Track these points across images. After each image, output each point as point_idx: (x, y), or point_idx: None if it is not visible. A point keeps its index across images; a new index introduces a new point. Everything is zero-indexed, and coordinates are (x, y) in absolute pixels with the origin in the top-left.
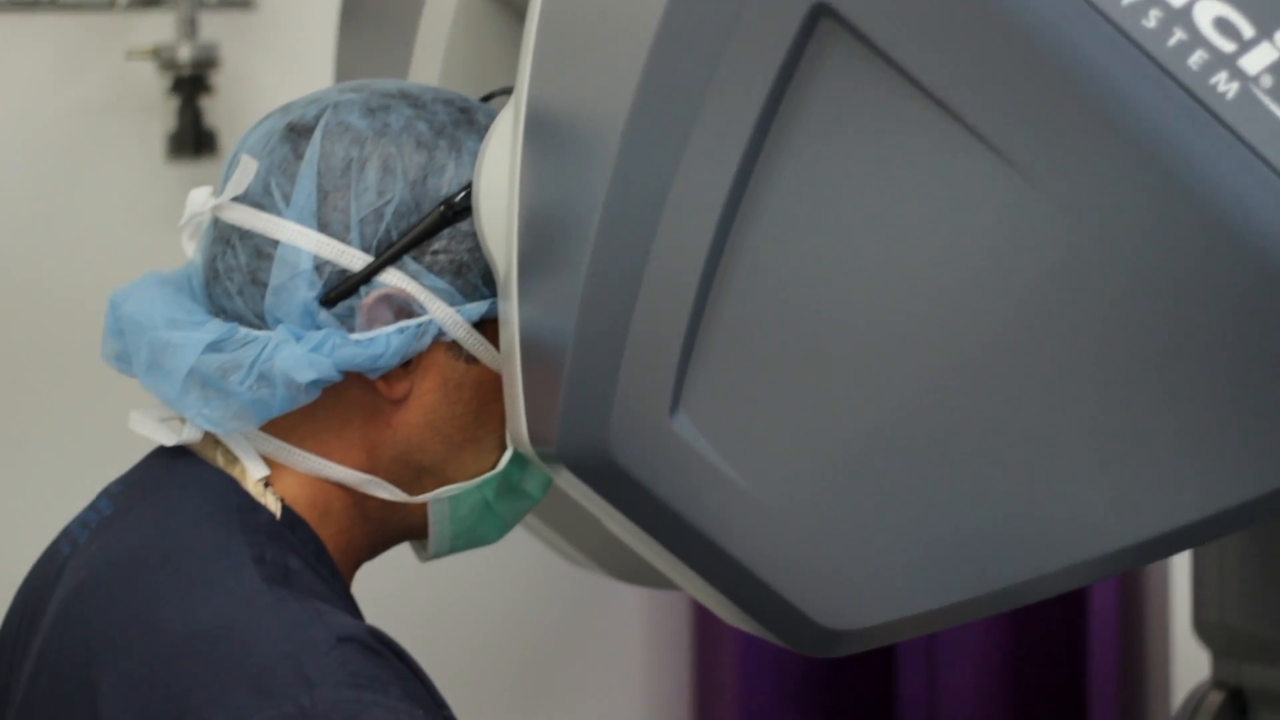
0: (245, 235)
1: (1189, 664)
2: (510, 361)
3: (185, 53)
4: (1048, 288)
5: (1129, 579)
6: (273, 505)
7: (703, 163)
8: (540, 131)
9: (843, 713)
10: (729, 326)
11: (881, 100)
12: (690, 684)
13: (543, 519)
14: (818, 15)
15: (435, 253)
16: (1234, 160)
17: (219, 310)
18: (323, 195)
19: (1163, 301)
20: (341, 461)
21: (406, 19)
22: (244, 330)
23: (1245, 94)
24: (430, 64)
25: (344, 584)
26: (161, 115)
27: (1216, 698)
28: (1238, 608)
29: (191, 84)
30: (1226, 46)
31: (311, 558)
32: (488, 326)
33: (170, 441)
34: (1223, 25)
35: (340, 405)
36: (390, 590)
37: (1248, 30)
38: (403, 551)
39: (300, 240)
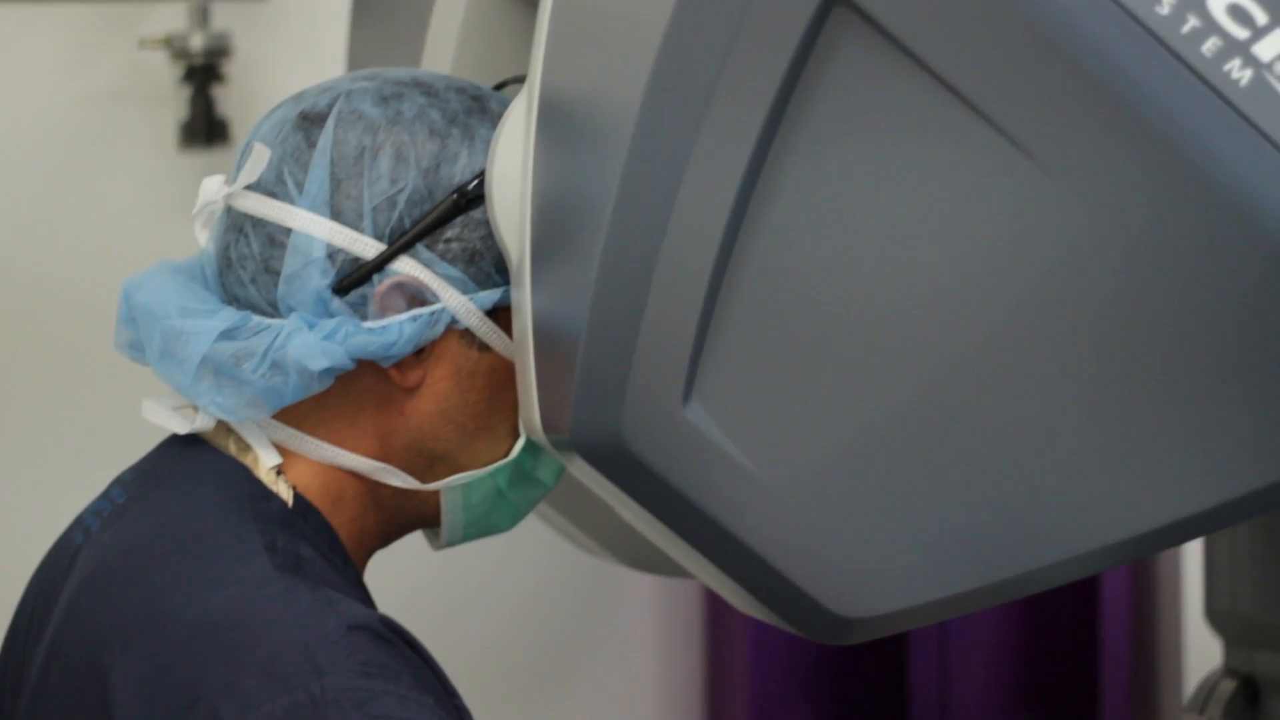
0: (258, 223)
1: (1201, 652)
2: (523, 349)
3: (197, 42)
4: (1060, 277)
5: (1141, 568)
6: (285, 493)
7: (716, 150)
8: (553, 120)
9: (854, 701)
10: (742, 314)
11: (894, 88)
12: (702, 672)
13: (555, 507)
14: (831, 2)
15: (448, 241)
16: (1247, 147)
17: (232, 299)
18: (335, 183)
19: (1174, 289)
20: (354, 449)
21: (419, 7)
22: (257, 318)
23: (1259, 81)
24: (443, 52)
25: (356, 572)
26: (174, 104)
27: (1229, 686)
28: (1250, 596)
29: (204, 73)
30: (1240, 33)
31: (324, 546)
32: (500, 314)
33: (183, 430)
34: (1236, 12)
35: (353, 393)
36: (403, 579)
37: (1261, 17)
38: (415, 541)
39: (313, 228)
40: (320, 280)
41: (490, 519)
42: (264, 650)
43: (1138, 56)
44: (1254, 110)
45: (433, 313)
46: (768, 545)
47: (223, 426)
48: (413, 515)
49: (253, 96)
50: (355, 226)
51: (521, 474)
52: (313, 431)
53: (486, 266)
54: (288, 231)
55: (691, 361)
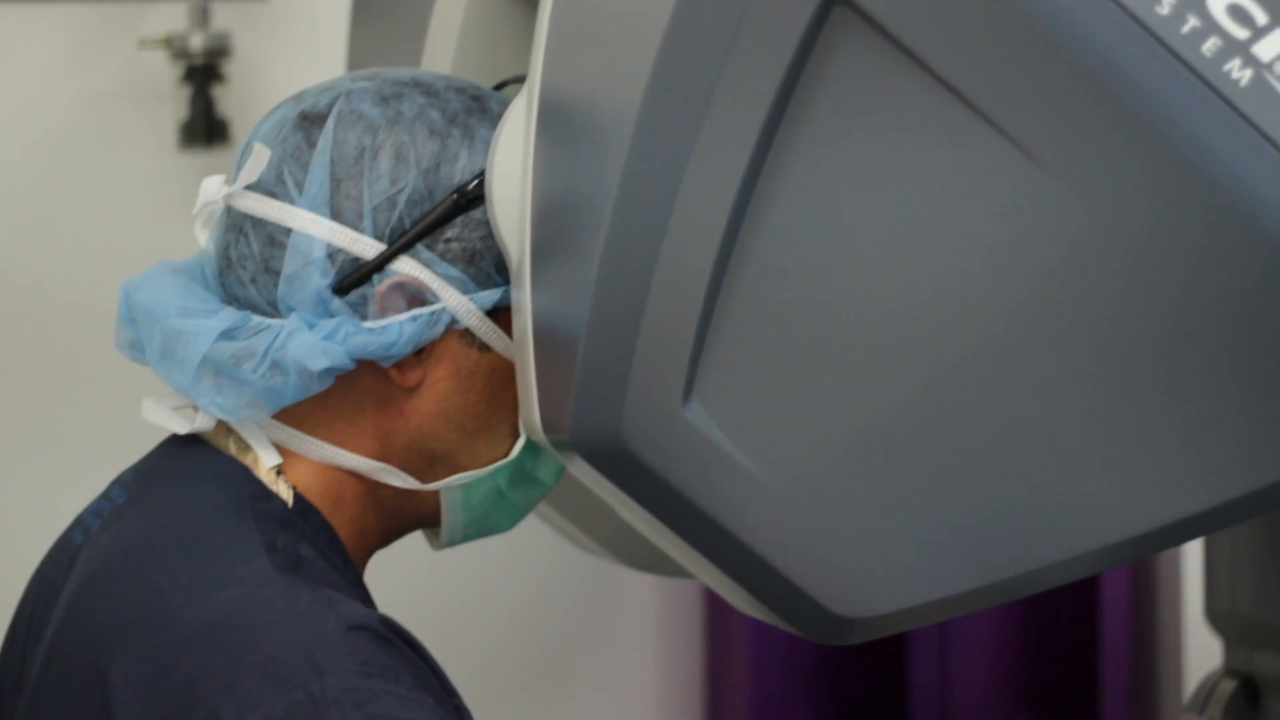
0: (258, 223)
1: (1201, 652)
2: (523, 349)
3: (197, 42)
4: (1060, 277)
5: (1141, 568)
6: (285, 493)
7: (716, 150)
8: (553, 119)
9: (854, 701)
10: (742, 314)
11: (894, 88)
12: (702, 672)
13: (555, 507)
14: (831, 3)
15: (448, 241)
16: (1247, 147)
17: (232, 299)
18: (335, 183)
19: (1174, 289)
20: (354, 449)
21: (419, 7)
22: (257, 318)
23: (1259, 81)
24: (443, 52)
25: (356, 572)
26: (173, 104)
27: (1229, 686)
28: (1250, 596)
29: (204, 73)
30: (1240, 33)
31: (323, 546)
32: (500, 314)
33: (183, 430)
34: (1236, 12)
35: (353, 393)
36: (403, 579)
37: (1261, 17)
38: (415, 541)
39: (313, 228)
40: (320, 280)
41: (490, 519)
42: (264, 650)
43: (1138, 57)
44: (1254, 110)
45: (433, 313)
46: (768, 545)
47: (223, 426)
48: (413, 515)
49: (253, 96)
50: (355, 226)
51: (521, 474)
52: (313, 431)
53: (486, 266)
54: (288, 231)
55: (691, 361)
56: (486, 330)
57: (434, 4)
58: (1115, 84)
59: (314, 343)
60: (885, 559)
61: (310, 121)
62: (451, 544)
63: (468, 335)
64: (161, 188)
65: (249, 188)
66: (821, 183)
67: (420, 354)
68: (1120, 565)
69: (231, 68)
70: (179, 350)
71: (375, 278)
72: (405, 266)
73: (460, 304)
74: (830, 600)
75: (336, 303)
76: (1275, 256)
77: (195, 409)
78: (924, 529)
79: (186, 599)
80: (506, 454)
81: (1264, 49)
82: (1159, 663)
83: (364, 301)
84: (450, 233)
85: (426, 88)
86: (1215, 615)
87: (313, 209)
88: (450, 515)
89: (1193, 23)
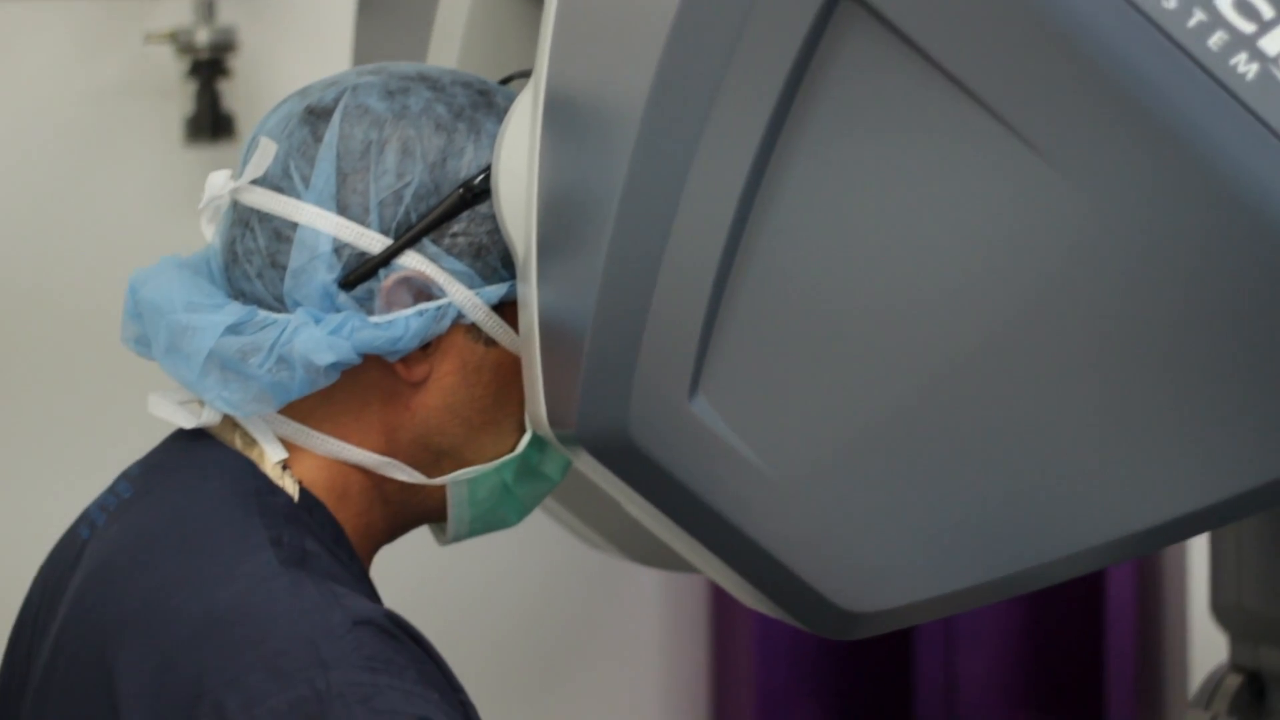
0: (264, 218)
1: (1206, 647)
2: (529, 344)
3: (203, 36)
4: (1066, 271)
5: (1146, 563)
6: (290, 488)
7: (722, 145)
8: (559, 114)
9: (860, 696)
10: (748, 309)
11: (900, 82)
12: (708, 667)
13: (561, 502)
14: None
15: (454, 235)
16: (1253, 140)
17: (238, 293)
18: (342, 178)
19: (1179, 283)
20: (360, 444)
21: (424, 2)
22: (263, 313)
23: (1265, 75)
24: (448, 47)
25: (362, 567)
26: (179, 99)
27: (1234, 681)
28: (1255, 591)
29: (209, 67)
30: (1246, 27)
31: (329, 540)
32: (507, 309)
33: (189, 424)
34: (1243, 6)
35: (359, 388)
36: (409, 574)
37: (1268, 11)
38: (421, 535)
39: (319, 223)
40: (326, 275)
41: (496, 514)
42: (269, 645)
43: (1144, 50)
44: (1260, 104)
45: (439, 307)
46: (774, 540)
47: (229, 421)
48: (419, 510)
49: (258, 91)
50: (361, 221)
51: (527, 469)
52: (319, 426)
53: (493, 261)
54: (294, 226)
55: (697, 356)
56: (493, 325)
57: None
58: (1121, 78)
59: (320, 337)
60: (891, 554)
61: (316, 116)
62: (457, 539)
63: (474, 330)
64: (167, 182)
65: (255, 182)
66: (827, 176)
67: (426, 349)
68: (1125, 560)
69: (237, 62)
70: (185, 345)
71: (381, 272)
72: (411, 261)
73: (466, 299)
74: (836, 595)
75: (343, 297)
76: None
77: (201, 404)
78: (929, 524)
79: (192, 593)
80: (512, 449)
81: (1270, 43)
82: (1164, 658)
83: (370, 296)
84: (456, 227)
85: (432, 82)
86: (1220, 610)
87: (319, 204)
88: (456, 510)
89: (1199, 17)
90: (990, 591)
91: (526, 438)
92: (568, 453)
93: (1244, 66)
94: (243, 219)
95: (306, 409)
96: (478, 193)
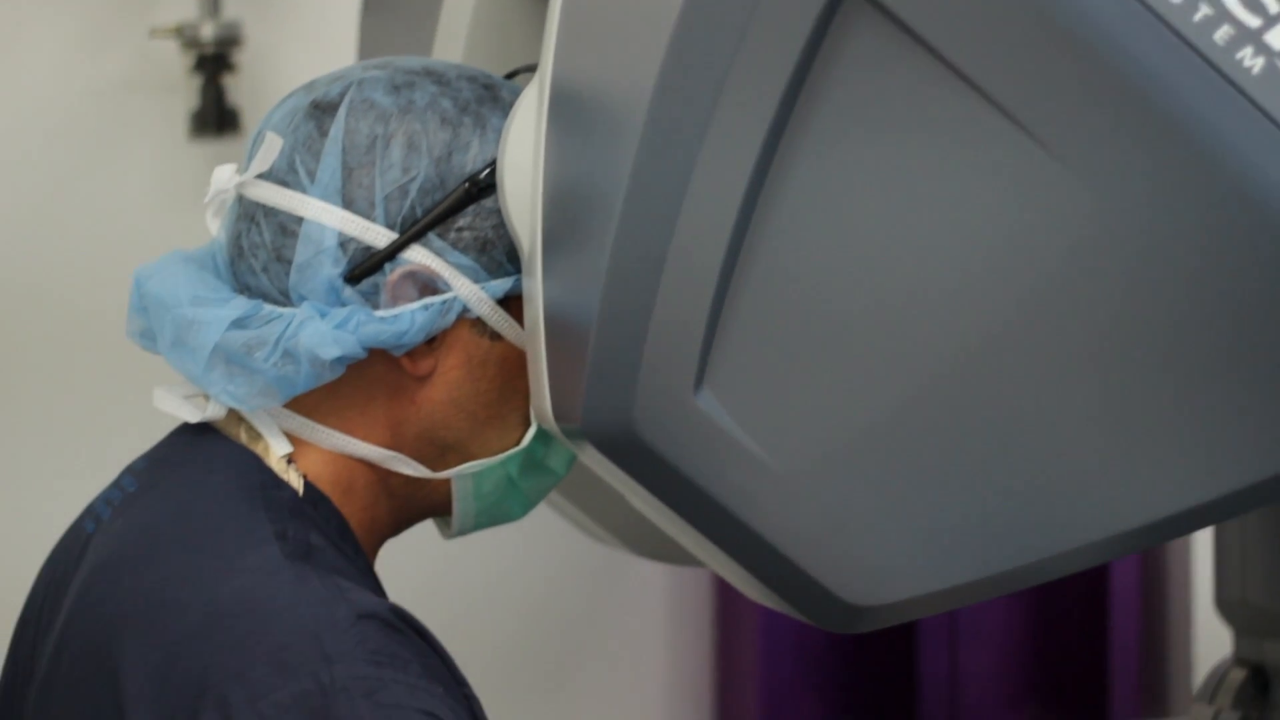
0: (270, 212)
1: (1211, 642)
2: (535, 338)
3: (208, 31)
4: (1069, 266)
5: (1150, 557)
6: (295, 482)
7: (727, 138)
8: (565, 108)
9: (864, 689)
10: (753, 303)
11: (905, 76)
12: (712, 661)
13: (566, 496)
14: None
15: (460, 229)
16: (1259, 135)
17: (243, 287)
18: (347, 172)
19: (1184, 277)
20: (365, 438)
21: None
22: (268, 307)
23: (1270, 69)
24: (454, 41)
25: (367, 561)
26: (184, 93)
27: (1238, 675)
28: (1260, 585)
29: (214, 62)
30: (1252, 21)
31: (334, 534)
32: (512, 303)
33: (194, 418)
34: (1249, 1)
35: (364, 382)
36: (414, 569)
37: (1273, 5)
38: (426, 530)
39: (325, 217)
40: (332, 269)
41: (501, 507)
42: (273, 638)
43: (1150, 44)
44: (1266, 98)
45: (444, 301)
46: (779, 533)
47: (234, 415)
48: (424, 504)
49: (263, 86)
50: (367, 215)
51: (532, 462)
52: (324, 420)
53: (498, 255)
54: (299, 220)
55: (703, 350)
56: (498, 319)
57: None
58: (1127, 72)
59: (326, 331)
60: (895, 547)
61: (322, 110)
62: (462, 533)
63: (479, 324)
64: (172, 177)
65: (260, 177)
66: (833, 171)
67: (432, 343)
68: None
69: (242, 57)
70: (191, 339)
71: (387, 266)
72: (417, 255)
73: (472, 293)
74: (840, 588)
75: (348, 291)
76: None
77: (207, 398)
78: (933, 518)
79: (196, 588)
80: (518, 442)
81: (1276, 37)
82: (1168, 652)
83: (376, 290)
84: (462, 221)
85: (438, 76)
86: (1225, 604)
87: (324, 198)
88: (461, 504)
89: (1205, 10)
90: (994, 585)
91: (531, 431)
92: (573, 446)
93: (1250, 61)
94: (248, 213)
95: (312, 403)
96: (483, 187)
